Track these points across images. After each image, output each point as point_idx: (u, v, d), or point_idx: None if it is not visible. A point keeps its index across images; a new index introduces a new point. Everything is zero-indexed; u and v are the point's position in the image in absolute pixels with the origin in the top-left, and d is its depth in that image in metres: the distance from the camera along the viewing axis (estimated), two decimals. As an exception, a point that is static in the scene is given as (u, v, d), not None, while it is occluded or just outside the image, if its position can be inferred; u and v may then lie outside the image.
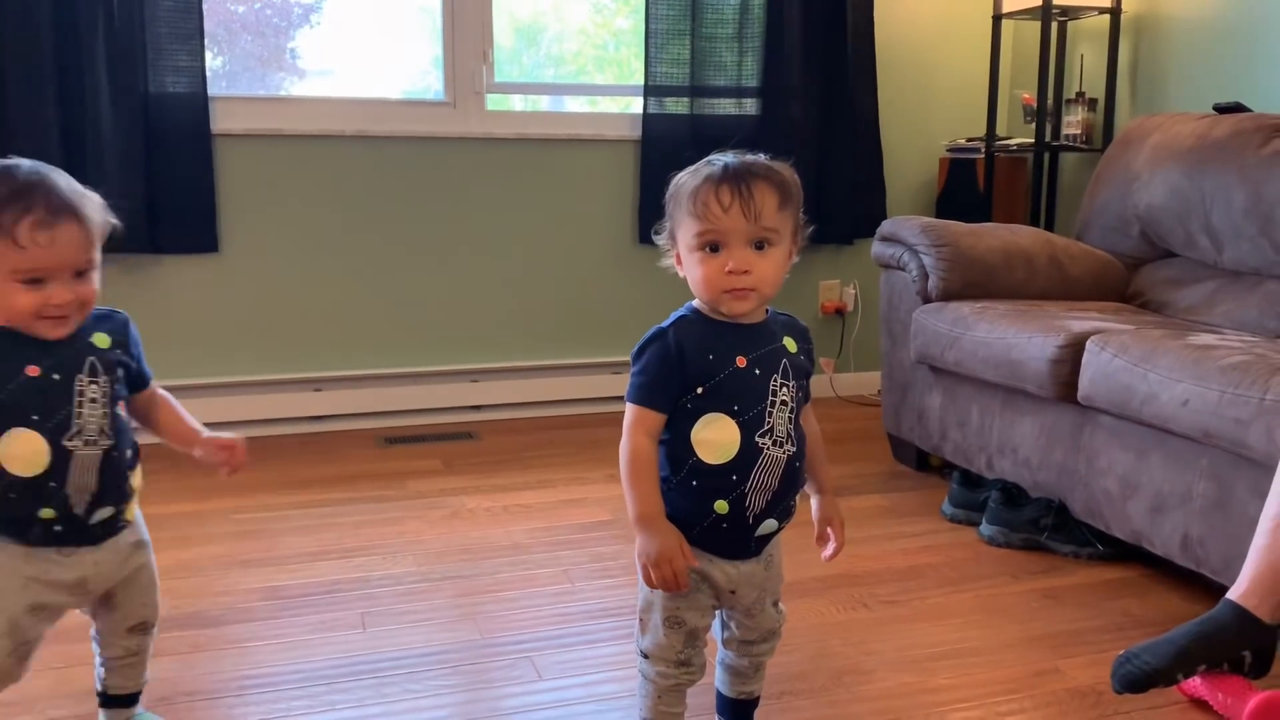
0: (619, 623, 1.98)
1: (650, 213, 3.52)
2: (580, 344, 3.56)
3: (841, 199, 3.63)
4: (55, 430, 1.28)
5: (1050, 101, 3.49)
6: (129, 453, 1.37)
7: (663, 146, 3.45)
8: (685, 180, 1.34)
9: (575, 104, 3.63)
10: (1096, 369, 2.18)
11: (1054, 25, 3.48)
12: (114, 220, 1.35)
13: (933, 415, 2.79)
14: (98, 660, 1.50)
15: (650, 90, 3.45)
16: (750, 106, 3.53)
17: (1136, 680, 1.58)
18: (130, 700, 1.52)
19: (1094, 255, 2.94)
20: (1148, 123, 3.01)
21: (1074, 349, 2.27)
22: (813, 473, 1.45)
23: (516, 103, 3.55)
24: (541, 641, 1.91)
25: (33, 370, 1.28)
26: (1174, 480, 2.05)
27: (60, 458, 1.29)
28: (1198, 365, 1.96)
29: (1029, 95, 3.61)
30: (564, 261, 3.53)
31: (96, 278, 1.32)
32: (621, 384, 4.04)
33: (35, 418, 1.27)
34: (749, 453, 1.31)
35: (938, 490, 2.74)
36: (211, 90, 3.08)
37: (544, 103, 3.63)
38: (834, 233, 3.67)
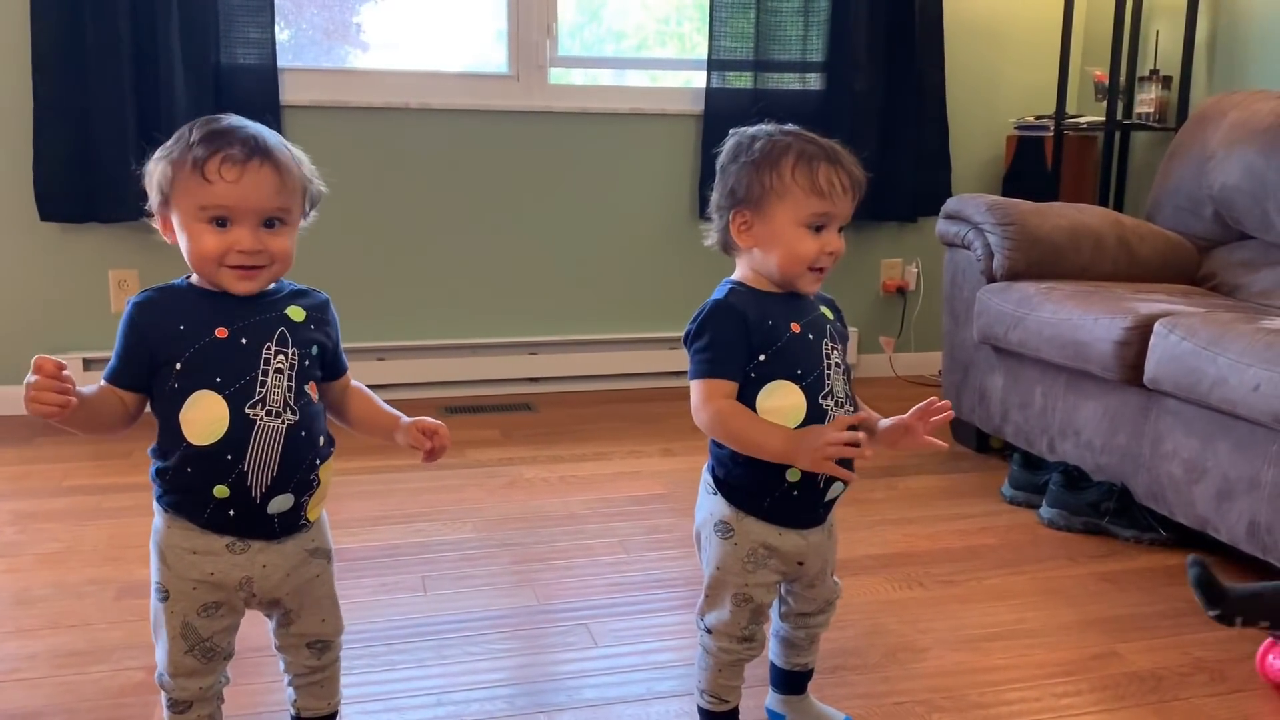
0: (674, 593, 2.00)
1: (711, 188, 3.50)
2: (638, 318, 3.58)
3: (905, 176, 3.59)
4: (237, 396, 1.19)
5: (1123, 78, 3.41)
6: (320, 439, 1.26)
7: (725, 121, 3.38)
8: (773, 152, 1.32)
9: (635, 78, 3.63)
10: (1164, 352, 2.14)
11: (1129, 0, 3.39)
12: (322, 188, 1.28)
13: (994, 396, 2.76)
14: (284, 678, 1.39)
15: (714, 64, 3.43)
16: (814, 81, 3.50)
17: (1200, 583, 1.56)
18: None
19: (1164, 236, 2.87)
20: (1225, 100, 2.93)
21: (1141, 331, 2.23)
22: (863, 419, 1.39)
23: (577, 77, 3.56)
24: (597, 609, 1.93)
25: (221, 332, 1.20)
26: (1242, 466, 2.01)
27: (240, 426, 1.18)
28: (1270, 350, 1.92)
29: (1101, 72, 3.52)
30: (623, 236, 3.54)
31: (291, 237, 1.24)
32: (679, 359, 4.03)
33: (218, 380, 1.19)
34: (816, 416, 1.32)
35: (997, 472, 2.71)
36: (279, 62, 3.13)
37: (604, 77, 3.63)
38: (897, 210, 3.63)
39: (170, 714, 1.29)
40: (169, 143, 1.23)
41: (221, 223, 1.19)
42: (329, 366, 1.32)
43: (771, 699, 1.56)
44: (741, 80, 3.45)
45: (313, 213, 1.29)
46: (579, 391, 3.51)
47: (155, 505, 1.26)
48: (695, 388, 1.33)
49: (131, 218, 3.00)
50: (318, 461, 1.25)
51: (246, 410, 1.19)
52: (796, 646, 1.51)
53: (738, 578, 1.36)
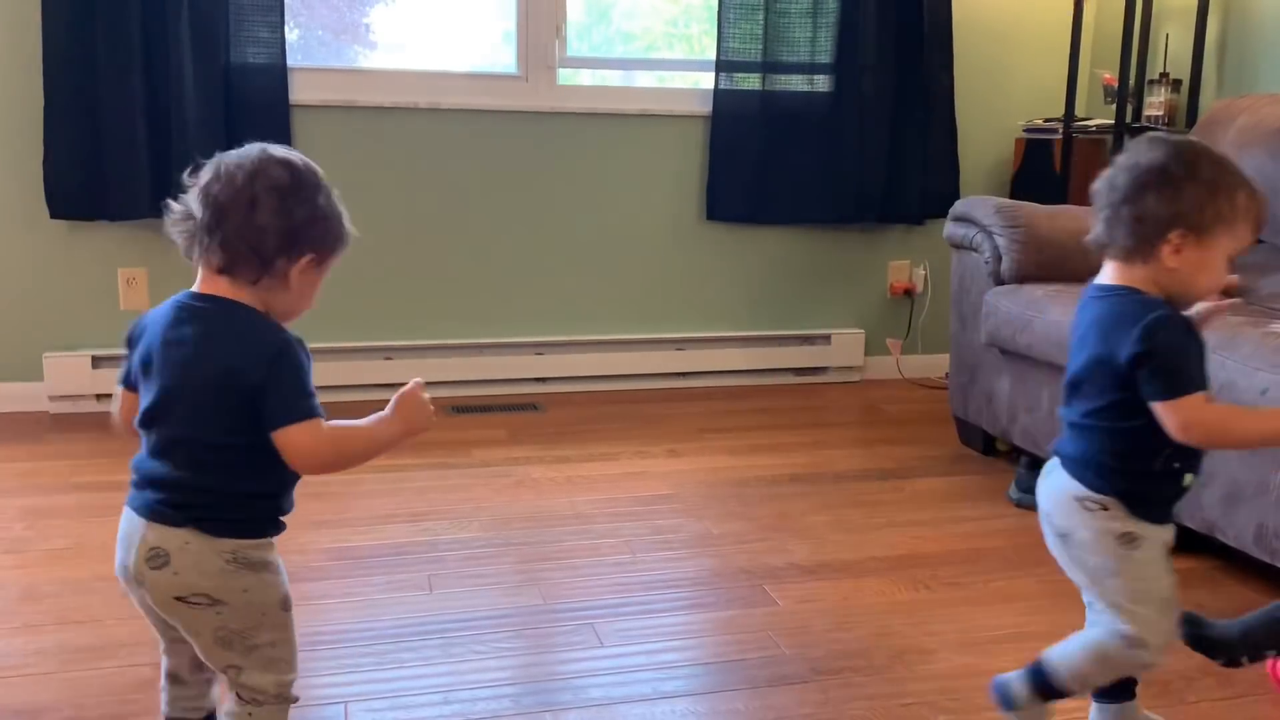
0: (679, 593, 2.01)
1: (719, 189, 3.51)
2: (645, 319, 3.57)
3: (913, 178, 3.58)
4: None
5: (1132, 82, 3.40)
6: None
7: (733, 123, 3.43)
8: (1227, 180, 1.31)
9: (643, 80, 3.63)
10: (1173, 355, 2.14)
11: (1138, 3, 3.39)
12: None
13: (1002, 399, 2.76)
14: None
15: (722, 66, 3.43)
16: (822, 83, 3.49)
17: (1194, 643, 1.57)
18: None
19: (1173, 240, 2.86)
20: (1235, 104, 2.93)
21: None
22: None
23: (585, 78, 3.56)
24: (603, 609, 1.93)
25: None
26: (1250, 470, 2.00)
27: None
28: (1277, 354, 1.91)
29: (1110, 75, 3.52)
30: (631, 236, 3.55)
31: None
32: (685, 359, 4.01)
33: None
34: None
35: (1004, 475, 2.71)
36: (288, 62, 3.14)
37: (612, 79, 3.63)
38: (905, 212, 3.62)
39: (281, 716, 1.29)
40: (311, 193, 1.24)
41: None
42: None
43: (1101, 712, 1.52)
44: (749, 82, 3.45)
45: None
46: (586, 392, 3.52)
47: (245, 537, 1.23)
48: (1181, 405, 1.27)
49: (140, 216, 3.01)
50: None
51: None
52: None
53: (1157, 582, 1.36)
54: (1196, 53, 3.30)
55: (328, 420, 1.20)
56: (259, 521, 1.25)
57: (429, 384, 1.29)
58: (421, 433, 1.22)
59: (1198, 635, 1.57)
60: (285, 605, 1.26)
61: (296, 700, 1.29)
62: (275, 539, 1.27)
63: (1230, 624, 1.58)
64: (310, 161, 1.24)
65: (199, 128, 3.02)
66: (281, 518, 1.28)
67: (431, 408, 1.20)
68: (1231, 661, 1.56)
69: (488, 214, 3.41)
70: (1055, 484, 1.39)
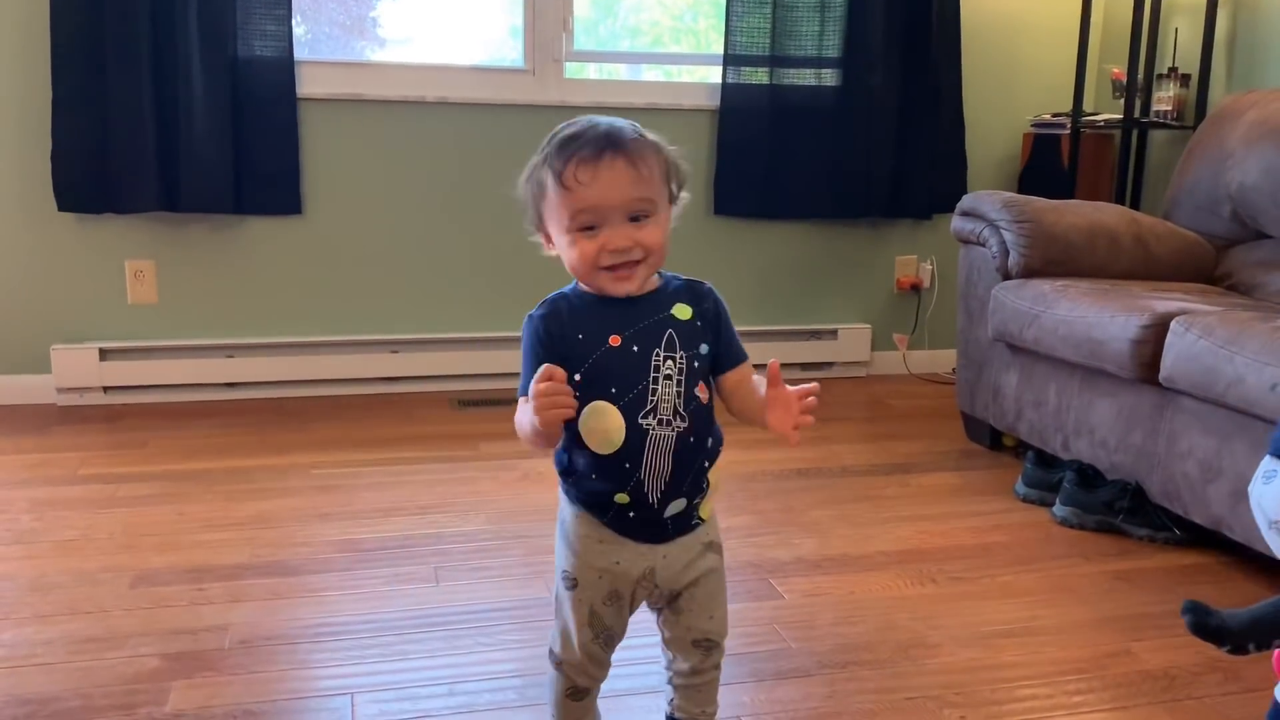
0: (685, 588, 2.00)
1: (726, 183, 3.50)
2: (652, 314, 3.57)
3: (921, 173, 3.57)
4: (632, 406, 1.19)
5: (1141, 76, 3.39)
6: (709, 441, 1.25)
7: (740, 117, 3.43)
8: None
9: (650, 74, 3.63)
10: (1180, 350, 2.13)
11: (1148, -3, 3.38)
12: (686, 168, 1.30)
13: (1008, 394, 2.75)
14: (666, 675, 1.41)
15: (729, 60, 3.43)
16: (830, 77, 3.49)
17: (1198, 630, 1.56)
18: None
19: (1181, 235, 2.86)
20: (1244, 99, 2.92)
21: (1157, 329, 2.22)
22: None
23: (592, 72, 3.56)
24: (609, 602, 1.93)
25: (615, 340, 1.21)
26: (1258, 466, 1.99)
27: (636, 437, 1.19)
28: (1288, 348, 1.91)
29: (1119, 70, 3.51)
30: (638, 231, 3.53)
31: (662, 227, 1.24)
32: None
33: (614, 390, 1.19)
34: None
35: (1011, 470, 2.71)
36: (296, 55, 3.14)
37: (619, 73, 3.63)
38: (912, 207, 3.62)
39: (567, 700, 1.38)
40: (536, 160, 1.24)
41: (589, 228, 1.20)
42: (716, 361, 1.29)
43: None
44: (757, 76, 3.45)
45: (683, 194, 1.31)
46: (592, 386, 3.51)
47: (563, 498, 1.33)
48: None
49: (148, 209, 3.02)
50: (706, 464, 1.25)
51: (640, 420, 1.19)
52: None
53: None
54: (1205, 47, 3.29)
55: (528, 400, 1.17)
56: (567, 484, 1.31)
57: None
58: (548, 419, 1.12)
59: (1202, 623, 1.56)
60: (566, 581, 1.31)
61: (568, 681, 1.37)
62: (590, 515, 1.28)
63: (1237, 612, 1.58)
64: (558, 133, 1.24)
65: (206, 121, 3.02)
66: (584, 490, 1.28)
67: (560, 396, 1.11)
68: (1238, 649, 1.55)
69: (494, 208, 3.41)
70: None
